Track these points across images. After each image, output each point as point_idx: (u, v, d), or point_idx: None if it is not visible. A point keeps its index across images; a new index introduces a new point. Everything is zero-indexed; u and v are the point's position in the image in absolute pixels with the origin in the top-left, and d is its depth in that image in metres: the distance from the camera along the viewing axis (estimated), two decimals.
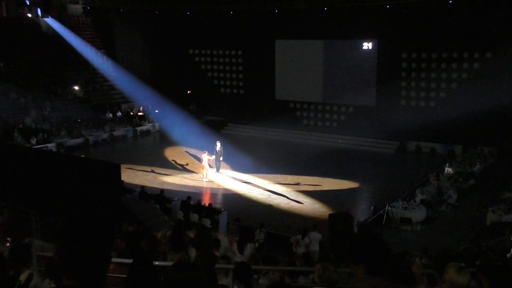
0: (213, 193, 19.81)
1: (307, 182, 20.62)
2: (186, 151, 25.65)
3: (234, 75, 33.61)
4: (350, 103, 29.36)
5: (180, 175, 21.81)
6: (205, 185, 20.44)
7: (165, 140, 28.49)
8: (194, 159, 24.01)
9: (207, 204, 16.24)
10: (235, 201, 18.29)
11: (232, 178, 21.38)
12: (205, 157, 20.54)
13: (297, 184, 20.42)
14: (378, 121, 27.46)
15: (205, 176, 20.72)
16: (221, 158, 21.70)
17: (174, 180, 20.98)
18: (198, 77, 34.83)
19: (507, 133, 23.65)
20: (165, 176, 21.53)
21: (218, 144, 21.62)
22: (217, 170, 21.85)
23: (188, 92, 34.63)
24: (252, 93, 32.66)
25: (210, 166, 21.17)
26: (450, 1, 24.60)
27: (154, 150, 27.30)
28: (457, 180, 19.29)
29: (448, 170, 20.72)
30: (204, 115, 32.95)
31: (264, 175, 21.42)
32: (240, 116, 31.91)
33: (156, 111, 31.65)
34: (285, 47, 30.99)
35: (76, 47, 31.69)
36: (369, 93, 28.41)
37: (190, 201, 16.29)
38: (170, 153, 25.94)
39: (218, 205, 17.47)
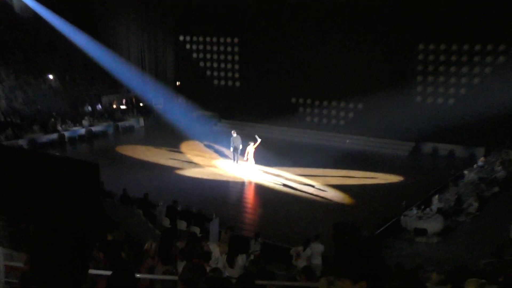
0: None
1: (304, 189, 20.67)
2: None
3: (229, 66, 33.68)
4: (359, 99, 29.35)
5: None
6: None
7: (154, 137, 28.61)
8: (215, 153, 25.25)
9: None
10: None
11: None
12: (251, 149, 21.68)
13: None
14: (390, 119, 27.34)
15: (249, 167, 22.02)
16: (241, 146, 22.98)
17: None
18: (188, 67, 34.91)
19: None
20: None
21: (234, 134, 23.05)
22: (236, 161, 23.24)
23: (177, 83, 34.59)
24: (250, 86, 32.67)
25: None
26: None
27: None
28: (478, 187, 19.32)
29: (468, 175, 20.73)
30: (195, 110, 32.93)
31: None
32: (235, 112, 31.94)
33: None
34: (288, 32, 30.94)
35: (53, 30, 31.31)
36: (380, 88, 28.03)
37: (177, 206, 16.22)
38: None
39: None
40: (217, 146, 26.89)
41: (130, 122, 32.05)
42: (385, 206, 18.07)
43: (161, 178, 21.54)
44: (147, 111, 33.78)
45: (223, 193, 20.26)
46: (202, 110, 33.01)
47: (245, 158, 22.07)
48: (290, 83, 31.30)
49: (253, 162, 22.06)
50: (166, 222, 15.77)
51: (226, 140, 24.91)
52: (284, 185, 20.92)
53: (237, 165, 23.29)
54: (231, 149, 23.40)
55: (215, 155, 25.78)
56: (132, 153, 26.17)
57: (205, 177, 22.13)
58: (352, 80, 28.82)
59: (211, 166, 23.83)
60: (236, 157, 23.38)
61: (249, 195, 20.25)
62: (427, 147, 26.63)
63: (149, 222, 15.63)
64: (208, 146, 27.20)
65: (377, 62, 28.28)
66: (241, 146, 23.21)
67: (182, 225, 15.61)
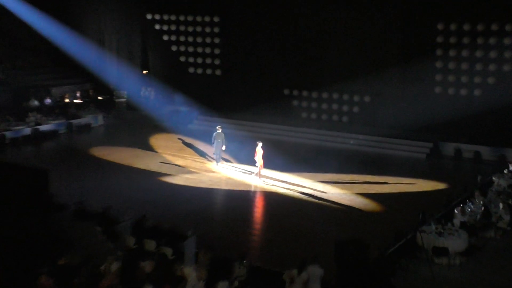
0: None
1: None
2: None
3: (208, 50, 33.47)
4: (366, 91, 29.11)
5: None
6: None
7: (118, 136, 28.69)
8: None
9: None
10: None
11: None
12: (260, 150, 22.04)
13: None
14: (404, 115, 27.19)
15: (258, 174, 22.36)
16: (224, 147, 23.79)
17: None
18: (158, 51, 34.72)
19: None
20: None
21: (219, 129, 23.58)
22: (217, 161, 24.13)
23: (144, 72, 34.37)
24: (233, 75, 32.42)
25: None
26: None
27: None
28: (510, 196, 19.20)
29: (498, 182, 20.64)
30: (168, 103, 32.85)
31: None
32: (215, 106, 31.70)
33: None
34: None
35: None
36: (392, 76, 28.36)
37: (145, 222, 16.03)
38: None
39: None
40: (197, 145, 27.04)
41: (87, 119, 31.67)
42: (401, 219, 18.02)
43: (130, 186, 21.38)
44: (108, 106, 33.64)
45: (205, 204, 20.10)
46: (176, 103, 32.72)
47: (257, 164, 22.28)
48: (281, 71, 31.07)
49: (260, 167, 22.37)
50: (131, 242, 15.57)
51: (207, 138, 25.17)
52: (288, 191, 21.32)
53: (220, 166, 23.81)
54: (213, 148, 23.79)
55: (196, 156, 25.86)
56: (96, 155, 26.07)
57: (184, 183, 22.12)
58: (357, 66, 28.66)
59: (192, 169, 23.89)
60: (218, 157, 23.90)
61: (238, 207, 20.02)
62: (448, 148, 26.56)
63: (110, 241, 15.40)
64: (187, 145, 27.31)
65: (388, 43, 28.21)
66: (224, 147, 23.58)
67: (151, 245, 15.42)
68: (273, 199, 20.74)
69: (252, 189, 21.79)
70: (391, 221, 18.12)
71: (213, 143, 23.74)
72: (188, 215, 18.26)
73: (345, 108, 30.17)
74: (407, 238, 15.71)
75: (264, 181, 22.17)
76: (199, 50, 33.61)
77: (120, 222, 16.24)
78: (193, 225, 16.02)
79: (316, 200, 20.50)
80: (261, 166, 22.10)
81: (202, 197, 20.79)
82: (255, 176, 22.37)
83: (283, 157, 24.71)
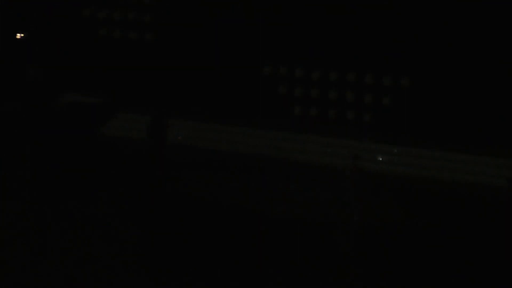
0: None
1: None
2: None
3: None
4: (402, 69, 23.87)
5: None
6: None
7: None
8: None
9: None
10: None
11: None
12: None
13: None
14: (459, 114, 22.64)
15: None
16: None
17: None
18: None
19: None
20: None
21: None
22: None
23: (18, 35, 26.94)
24: (175, 39, 25.66)
25: None
26: None
27: None
28: None
29: None
30: (62, 92, 25.60)
31: None
32: (147, 96, 24.93)
33: None
34: None
35: None
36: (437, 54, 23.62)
37: None
38: None
39: None
40: None
41: None
42: None
43: None
44: None
45: None
46: (76, 90, 25.56)
47: None
48: (258, 34, 25.14)
49: None
50: None
51: None
52: None
53: None
54: None
55: None
56: None
57: None
58: (386, 22, 23.91)
59: None
60: None
61: None
62: None
63: None
64: None
65: None
66: None
67: None
68: None
69: None
70: None
71: None
72: None
73: (367, 98, 23.51)
74: None
75: None
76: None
77: None
78: None
79: None
80: None
81: None
82: None
83: None
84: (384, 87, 23.85)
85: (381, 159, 23.37)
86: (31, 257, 14.02)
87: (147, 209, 18.46)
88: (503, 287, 15.69)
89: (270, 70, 24.93)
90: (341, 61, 24.83)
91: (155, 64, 25.69)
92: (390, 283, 15.08)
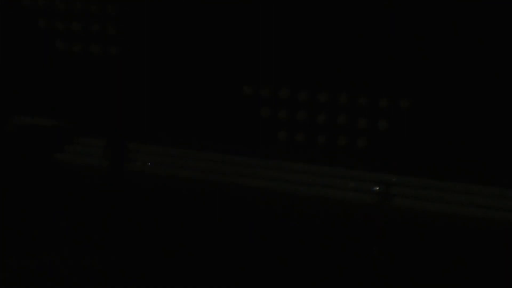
0: None
1: None
2: None
3: (94, 8, 19.85)
4: (403, 90, 18.06)
5: None
6: None
7: None
8: None
9: None
10: None
11: None
12: None
13: None
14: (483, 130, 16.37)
15: None
16: None
17: None
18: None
19: None
20: None
21: None
22: None
23: None
24: (143, 53, 18.86)
25: None
26: None
27: None
28: None
29: None
30: (11, 114, 19.03)
31: None
32: (107, 117, 18.34)
33: None
34: None
35: None
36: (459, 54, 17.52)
37: None
38: None
39: None
40: None
41: None
42: None
43: None
44: None
45: None
46: (28, 113, 19.03)
47: None
48: (238, 49, 18.09)
49: None
50: None
51: None
52: None
53: None
54: None
55: None
56: None
57: None
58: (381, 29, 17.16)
59: None
60: None
61: None
62: None
63: None
64: None
65: None
66: None
67: None
68: None
69: None
70: None
71: None
72: None
73: (362, 121, 18.00)
74: None
75: None
76: (78, 4, 19.91)
77: None
78: None
79: None
80: None
81: None
82: None
83: None
84: (380, 108, 20.56)
85: (376, 188, 19.55)
86: None
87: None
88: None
89: (250, 90, 21.55)
90: (328, 80, 22.05)
91: (119, 81, 22.45)
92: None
